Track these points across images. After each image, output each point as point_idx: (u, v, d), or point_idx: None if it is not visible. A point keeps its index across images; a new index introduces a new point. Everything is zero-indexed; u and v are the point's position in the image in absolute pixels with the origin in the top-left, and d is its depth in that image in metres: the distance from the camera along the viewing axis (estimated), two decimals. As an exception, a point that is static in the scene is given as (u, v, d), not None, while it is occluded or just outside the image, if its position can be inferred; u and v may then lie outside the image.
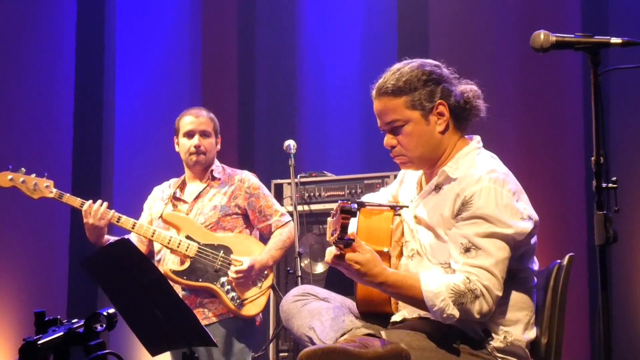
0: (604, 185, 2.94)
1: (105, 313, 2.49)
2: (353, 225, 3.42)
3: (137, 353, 6.85)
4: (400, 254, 3.47)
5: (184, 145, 5.39)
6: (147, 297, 4.08)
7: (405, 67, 3.44)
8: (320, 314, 3.37)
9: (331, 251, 3.31)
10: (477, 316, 3.22)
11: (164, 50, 7.72)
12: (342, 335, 3.24)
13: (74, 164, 7.36)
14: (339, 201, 3.22)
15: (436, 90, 3.40)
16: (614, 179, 2.96)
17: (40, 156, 7.24)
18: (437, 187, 3.43)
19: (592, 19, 6.45)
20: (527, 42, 3.01)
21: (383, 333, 3.31)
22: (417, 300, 3.27)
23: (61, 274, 7.36)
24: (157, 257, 5.38)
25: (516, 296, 3.35)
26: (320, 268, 6.16)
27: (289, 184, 6.06)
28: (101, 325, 2.47)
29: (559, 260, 3.46)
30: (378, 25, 7.29)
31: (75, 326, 2.46)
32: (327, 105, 7.43)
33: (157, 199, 5.49)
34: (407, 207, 3.52)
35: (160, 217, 5.37)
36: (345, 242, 3.21)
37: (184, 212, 5.36)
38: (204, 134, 5.37)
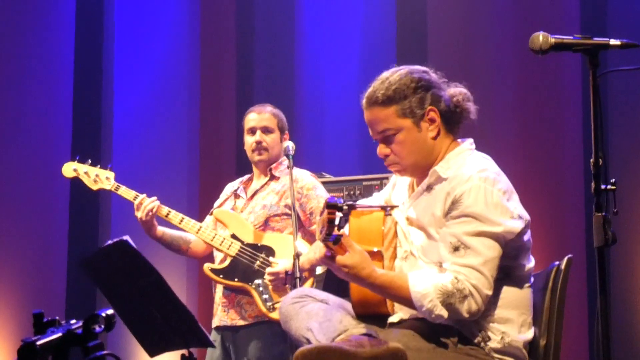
0: (602, 187, 2.95)
1: (103, 314, 2.48)
2: (346, 227, 3.44)
3: (136, 354, 6.85)
4: (394, 256, 3.47)
5: (247, 142, 5.34)
6: (145, 298, 4.08)
7: (393, 75, 3.45)
8: (318, 315, 3.37)
9: (321, 250, 3.32)
10: (466, 315, 3.22)
11: (163, 59, 7.71)
12: (339, 335, 3.24)
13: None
14: (325, 199, 3.21)
15: (426, 97, 3.41)
16: (612, 180, 2.97)
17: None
18: (429, 187, 3.43)
19: (591, 21, 6.45)
20: (526, 43, 3.02)
21: (380, 333, 3.32)
22: (406, 301, 3.28)
23: (60, 274, 7.35)
24: (214, 254, 5.31)
25: (508, 294, 3.35)
26: (319, 269, 6.13)
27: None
28: (100, 326, 2.47)
29: (557, 262, 3.46)
30: (376, 27, 7.28)
31: (73, 327, 2.46)
32: (325, 107, 7.42)
33: (225, 195, 5.45)
34: (398, 207, 3.52)
35: (211, 213, 5.35)
36: (333, 238, 3.19)
37: (239, 209, 5.30)
38: (265, 130, 5.30)
